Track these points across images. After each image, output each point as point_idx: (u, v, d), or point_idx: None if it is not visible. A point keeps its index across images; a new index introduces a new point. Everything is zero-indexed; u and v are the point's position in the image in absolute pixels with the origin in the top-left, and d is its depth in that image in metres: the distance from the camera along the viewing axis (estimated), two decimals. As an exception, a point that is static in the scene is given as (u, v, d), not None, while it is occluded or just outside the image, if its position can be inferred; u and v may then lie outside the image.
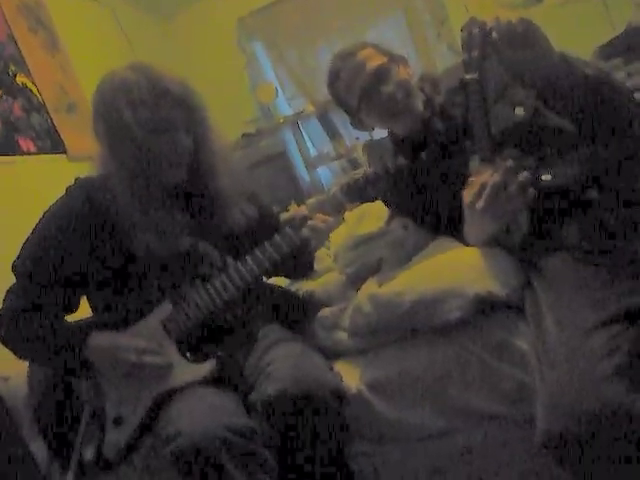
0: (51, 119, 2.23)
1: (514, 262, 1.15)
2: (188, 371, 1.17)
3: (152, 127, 1.11)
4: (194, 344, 1.21)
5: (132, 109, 1.09)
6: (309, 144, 3.79)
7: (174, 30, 3.76)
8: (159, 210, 1.18)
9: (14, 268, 1.21)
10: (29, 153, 2.06)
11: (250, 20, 3.75)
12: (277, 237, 1.16)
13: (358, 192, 1.17)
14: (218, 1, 3.72)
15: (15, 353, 1.20)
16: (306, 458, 1.07)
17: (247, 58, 3.85)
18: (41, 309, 1.20)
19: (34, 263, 1.19)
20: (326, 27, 3.64)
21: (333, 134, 3.69)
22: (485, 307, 1.09)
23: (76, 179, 1.25)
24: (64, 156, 2.27)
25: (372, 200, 1.24)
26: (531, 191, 1.05)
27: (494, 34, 1.03)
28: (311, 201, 1.23)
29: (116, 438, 1.15)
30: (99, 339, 1.16)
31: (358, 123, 1.35)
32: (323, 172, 3.83)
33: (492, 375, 1.07)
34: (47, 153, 2.18)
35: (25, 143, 2.05)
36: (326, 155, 3.71)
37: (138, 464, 1.17)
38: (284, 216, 2.96)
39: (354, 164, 3.53)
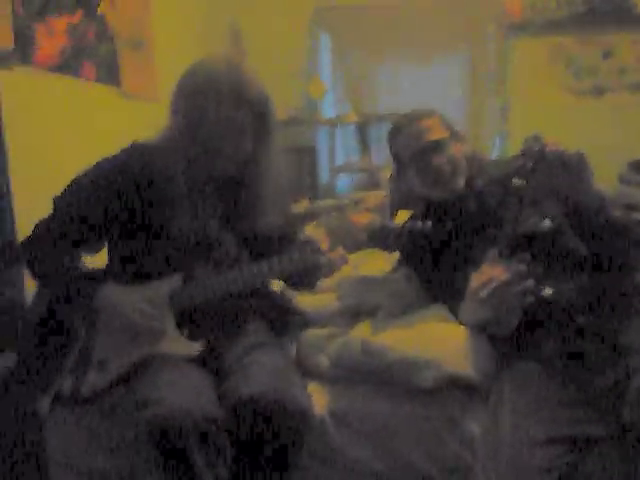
0: (116, 53, 2.30)
1: (493, 353, 1.26)
2: (179, 344, 1.27)
3: (225, 126, 1.22)
4: (187, 322, 1.31)
5: (216, 104, 1.20)
6: (339, 150, 3.90)
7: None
8: (200, 196, 1.29)
9: (55, 200, 1.30)
10: (89, 79, 2.14)
11: (327, 12, 3.80)
12: (296, 254, 1.26)
13: (381, 240, 1.27)
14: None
15: (32, 278, 1.30)
16: (255, 458, 1.15)
17: (311, 46, 3.90)
18: (66, 245, 1.29)
19: (75, 200, 1.29)
20: (395, 46, 3.71)
21: (364, 148, 3.80)
22: (455, 385, 1.20)
23: (133, 142, 1.34)
24: (117, 89, 2.34)
25: (391, 251, 1.34)
26: (530, 298, 1.18)
27: (551, 156, 1.16)
28: (328, 221, 1.32)
29: (96, 379, 1.24)
30: (112, 290, 1.26)
31: (402, 178, 1.44)
32: (341, 179, 3.93)
33: (439, 445, 1.18)
34: (104, 83, 2.25)
35: (89, 69, 2.11)
36: (352, 165, 3.81)
37: (104, 412, 1.27)
38: (294, 208, 3.04)
39: (374, 183, 3.64)
